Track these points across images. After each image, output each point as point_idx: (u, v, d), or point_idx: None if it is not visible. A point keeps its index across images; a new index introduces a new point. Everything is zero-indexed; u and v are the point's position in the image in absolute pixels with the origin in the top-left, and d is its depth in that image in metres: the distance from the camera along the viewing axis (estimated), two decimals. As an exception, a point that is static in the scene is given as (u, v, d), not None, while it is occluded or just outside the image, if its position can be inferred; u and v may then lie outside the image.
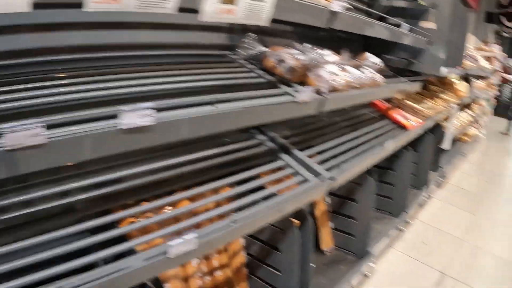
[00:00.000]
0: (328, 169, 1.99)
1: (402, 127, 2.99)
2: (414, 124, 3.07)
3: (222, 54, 2.12)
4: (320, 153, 2.16)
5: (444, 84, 5.26)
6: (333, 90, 1.98)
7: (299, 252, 2.13)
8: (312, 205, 2.93)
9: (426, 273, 3.49)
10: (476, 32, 10.79)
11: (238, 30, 2.22)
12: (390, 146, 2.47)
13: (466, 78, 6.38)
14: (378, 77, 2.52)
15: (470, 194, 5.72)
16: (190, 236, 1.29)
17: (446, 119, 4.71)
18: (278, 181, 1.84)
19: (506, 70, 14.05)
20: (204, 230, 1.38)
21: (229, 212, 1.54)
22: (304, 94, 1.71)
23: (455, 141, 6.98)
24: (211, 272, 2.21)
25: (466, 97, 5.54)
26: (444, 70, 3.51)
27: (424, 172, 4.31)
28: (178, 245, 1.26)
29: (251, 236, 2.34)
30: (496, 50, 9.86)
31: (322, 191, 1.89)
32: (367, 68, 2.55)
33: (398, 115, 3.09)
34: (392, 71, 3.43)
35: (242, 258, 2.29)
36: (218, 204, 1.64)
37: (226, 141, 1.90)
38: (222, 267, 2.25)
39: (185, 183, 1.65)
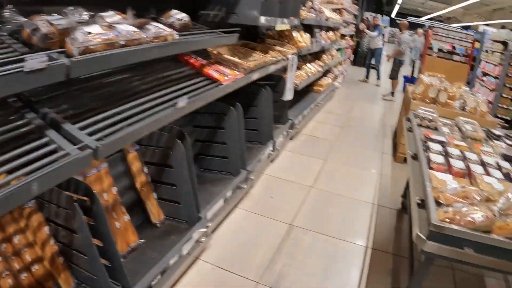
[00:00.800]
0: (102, 138, 1.77)
1: (216, 82, 2.80)
2: (229, 77, 2.90)
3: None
4: (102, 120, 1.91)
5: (284, 36, 5.22)
6: (89, 51, 1.70)
7: (89, 232, 1.95)
8: (132, 178, 2.70)
9: (273, 227, 3.45)
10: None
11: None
12: (183, 104, 2.26)
13: (310, 29, 6.42)
14: (168, 33, 2.29)
15: (323, 142, 5.88)
16: None
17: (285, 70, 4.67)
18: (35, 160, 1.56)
19: (363, 22, 14.76)
20: None
21: None
22: (33, 62, 1.42)
23: (309, 92, 7.10)
24: (27, 268, 2.00)
25: (308, 48, 5.56)
26: (262, 20, 3.38)
27: (267, 126, 4.26)
28: None
29: (54, 222, 2.11)
30: (345, 2, 10.19)
31: (85, 162, 1.64)
32: (156, 25, 2.33)
33: (213, 70, 2.90)
34: (213, 26, 3.22)
35: (52, 247, 2.09)
36: None
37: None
38: (37, 261, 2.04)
39: None
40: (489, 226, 2.00)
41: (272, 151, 4.47)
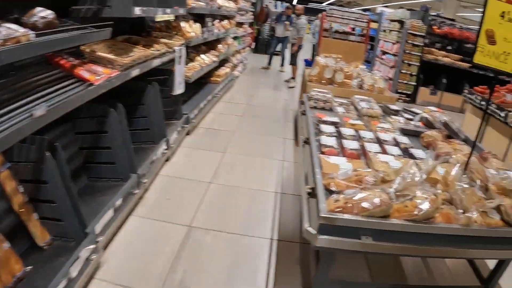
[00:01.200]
0: None
1: (87, 82, 2.63)
2: (101, 76, 2.73)
3: None
4: None
5: (172, 28, 5.09)
6: None
7: None
8: (8, 200, 2.44)
9: (172, 232, 3.32)
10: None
11: None
12: (41, 113, 2.07)
13: (202, 18, 6.34)
14: (21, 34, 2.08)
15: (222, 133, 5.84)
16: None
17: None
18: None
19: (262, 9, 14.89)
20: None
21: None
22: None
23: (206, 83, 7.02)
24: None
25: (198, 38, 5.47)
26: (137, 11, 3.23)
27: (158, 123, 4.11)
28: None
29: None
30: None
31: None
32: (8, 26, 2.11)
33: (84, 70, 2.71)
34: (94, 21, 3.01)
35: None
36: None
37: None
38: None
39: None
40: (386, 211, 1.91)
41: (166, 149, 4.33)
